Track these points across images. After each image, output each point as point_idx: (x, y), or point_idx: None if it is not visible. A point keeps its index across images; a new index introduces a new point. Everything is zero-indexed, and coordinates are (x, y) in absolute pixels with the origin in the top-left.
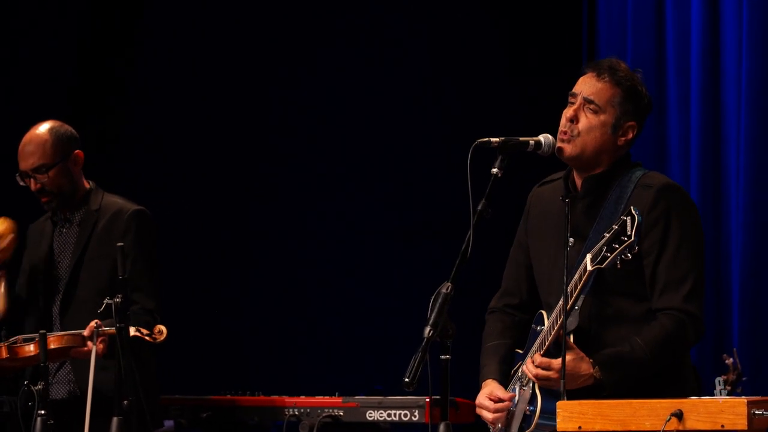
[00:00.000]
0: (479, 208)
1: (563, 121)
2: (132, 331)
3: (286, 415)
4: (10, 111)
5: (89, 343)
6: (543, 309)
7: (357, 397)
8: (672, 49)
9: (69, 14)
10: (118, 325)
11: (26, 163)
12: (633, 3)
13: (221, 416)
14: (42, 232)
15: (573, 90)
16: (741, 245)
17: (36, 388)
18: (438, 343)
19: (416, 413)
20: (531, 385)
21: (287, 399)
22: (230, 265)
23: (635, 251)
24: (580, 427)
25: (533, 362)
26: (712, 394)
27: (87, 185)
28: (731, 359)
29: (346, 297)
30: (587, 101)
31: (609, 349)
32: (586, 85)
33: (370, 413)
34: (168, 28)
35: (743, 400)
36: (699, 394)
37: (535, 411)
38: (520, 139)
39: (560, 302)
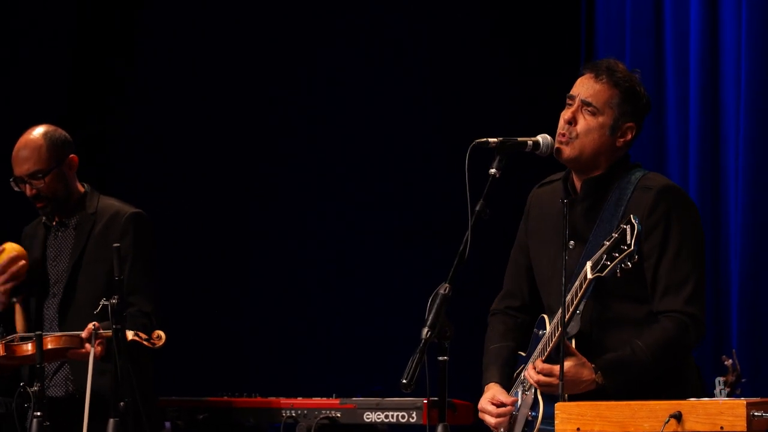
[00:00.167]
0: (477, 208)
1: (561, 123)
2: (130, 335)
3: (283, 416)
4: (10, 111)
5: (87, 346)
6: (545, 310)
7: (354, 398)
8: (671, 50)
9: (68, 14)
10: (114, 326)
11: (21, 168)
12: (632, 3)
13: (218, 418)
14: (35, 235)
15: (571, 92)
16: (740, 246)
17: (32, 389)
18: (436, 345)
19: (414, 415)
20: (533, 390)
21: (284, 400)
22: (230, 265)
23: (635, 260)
24: (578, 429)
25: (535, 368)
26: (712, 394)
27: (82, 189)
28: (730, 360)
29: (346, 297)
30: (585, 103)
31: (610, 354)
32: (584, 87)
33: (368, 415)
34: (168, 28)
35: (742, 401)
36: (703, 395)
37: (538, 417)
38: (518, 139)
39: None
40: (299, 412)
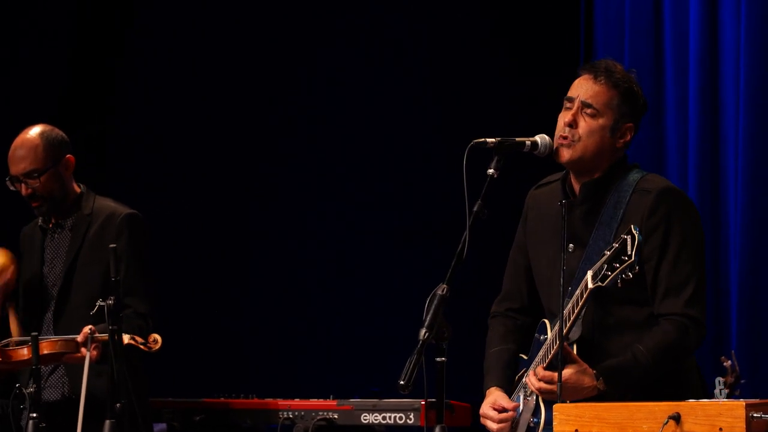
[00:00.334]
0: (475, 209)
1: (561, 125)
2: (126, 339)
3: (280, 418)
4: (9, 111)
5: (83, 350)
6: (544, 312)
7: (352, 399)
8: (670, 50)
9: (68, 14)
10: (110, 328)
11: (17, 168)
12: (631, 3)
13: (214, 419)
14: (32, 238)
15: (569, 94)
16: (739, 246)
17: (28, 390)
18: (434, 346)
19: (411, 416)
20: (535, 395)
21: (281, 402)
22: (230, 265)
23: (636, 271)
24: (576, 431)
25: (536, 375)
26: (713, 394)
27: (78, 189)
28: (729, 362)
29: (346, 297)
30: (585, 105)
31: (612, 359)
32: (583, 89)
33: (365, 416)
34: (167, 28)
35: (741, 402)
36: (703, 396)
37: (539, 423)
38: (517, 139)
39: (563, 313)
40: (296, 413)
